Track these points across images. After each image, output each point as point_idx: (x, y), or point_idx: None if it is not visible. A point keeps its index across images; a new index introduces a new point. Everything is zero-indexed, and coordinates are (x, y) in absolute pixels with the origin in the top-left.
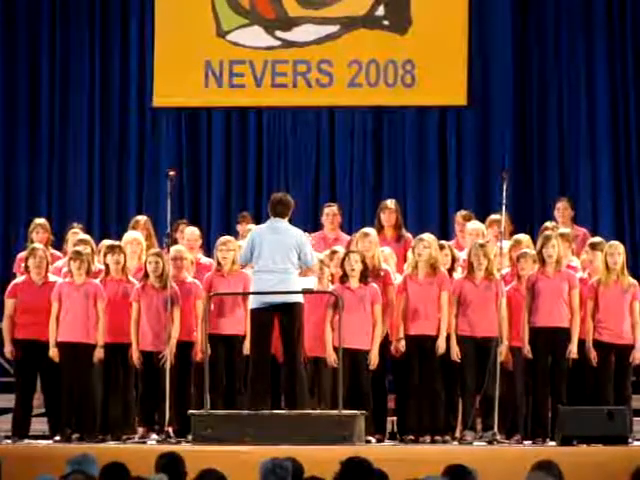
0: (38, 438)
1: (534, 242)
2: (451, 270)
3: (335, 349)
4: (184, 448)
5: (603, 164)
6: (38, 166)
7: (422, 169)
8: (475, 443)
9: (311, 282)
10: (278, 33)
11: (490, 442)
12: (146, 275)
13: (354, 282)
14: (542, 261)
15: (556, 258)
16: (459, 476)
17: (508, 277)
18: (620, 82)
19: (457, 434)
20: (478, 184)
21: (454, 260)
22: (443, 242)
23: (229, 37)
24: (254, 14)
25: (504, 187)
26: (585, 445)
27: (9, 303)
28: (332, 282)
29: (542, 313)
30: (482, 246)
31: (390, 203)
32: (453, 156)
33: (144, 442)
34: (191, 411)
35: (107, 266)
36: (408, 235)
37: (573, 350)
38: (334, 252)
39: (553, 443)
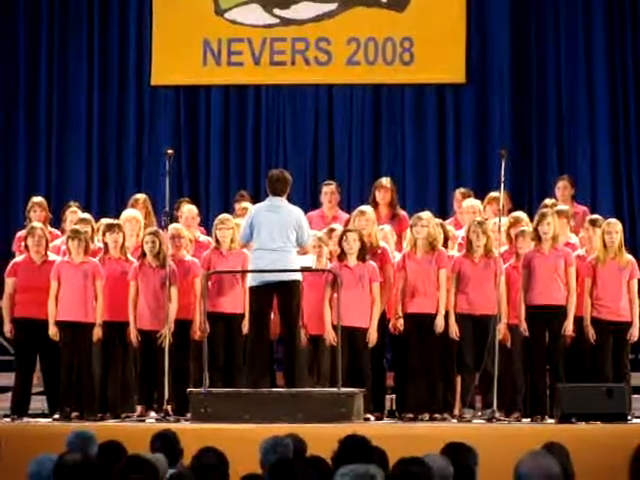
0: (37, 416)
1: (533, 220)
2: (444, 248)
3: (334, 327)
4: (183, 426)
5: (602, 141)
6: (36, 145)
7: (421, 147)
8: (474, 421)
9: (310, 260)
10: (276, 11)
11: (489, 420)
12: (143, 254)
13: (352, 260)
14: (538, 238)
15: (552, 235)
16: (458, 454)
17: (506, 255)
18: (619, 59)
19: (456, 412)
20: (477, 161)
21: (447, 238)
22: (436, 220)
23: (227, 15)
24: None
25: (503, 164)
26: (584, 423)
27: (9, 282)
28: (330, 260)
29: (538, 291)
30: (480, 224)
31: (385, 181)
32: (452, 134)
33: (143, 420)
34: (190, 389)
35: (106, 245)
36: (403, 213)
37: (569, 327)
38: (332, 230)
39: (552, 421)
